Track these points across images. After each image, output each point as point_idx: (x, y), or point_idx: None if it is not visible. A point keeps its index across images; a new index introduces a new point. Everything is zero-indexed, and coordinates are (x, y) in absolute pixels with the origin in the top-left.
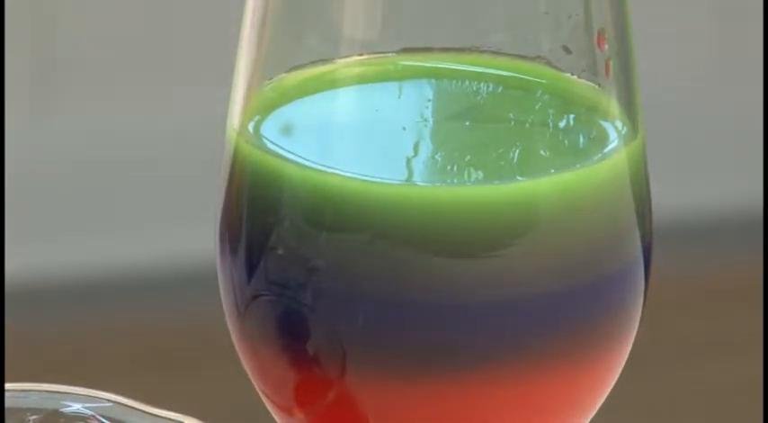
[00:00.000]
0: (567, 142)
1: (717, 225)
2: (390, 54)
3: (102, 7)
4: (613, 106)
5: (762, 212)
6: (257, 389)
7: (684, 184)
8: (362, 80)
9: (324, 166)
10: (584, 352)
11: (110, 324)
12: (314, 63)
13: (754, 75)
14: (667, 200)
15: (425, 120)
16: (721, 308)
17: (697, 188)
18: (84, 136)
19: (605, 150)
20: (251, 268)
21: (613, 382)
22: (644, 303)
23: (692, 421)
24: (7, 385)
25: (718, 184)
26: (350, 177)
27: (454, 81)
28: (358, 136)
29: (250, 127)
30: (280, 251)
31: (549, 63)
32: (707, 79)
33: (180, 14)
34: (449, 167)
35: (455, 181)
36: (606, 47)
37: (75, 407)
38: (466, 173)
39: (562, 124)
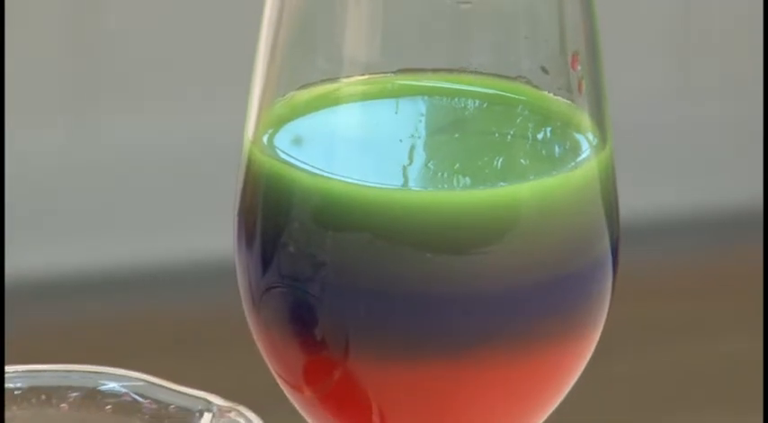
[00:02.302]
0: (544, 152)
1: (717, 225)
2: (389, 74)
3: (126, 21)
4: (585, 120)
5: (762, 212)
6: (272, 370)
7: (685, 184)
8: (364, 97)
9: (329, 173)
10: (559, 337)
11: (143, 313)
12: (321, 81)
13: (754, 74)
14: (669, 199)
15: (419, 132)
16: (722, 308)
17: (697, 188)
18: (107, 143)
19: (578, 159)
20: (265, 263)
21: (585, 363)
22: (612, 293)
23: (692, 405)
24: (51, 366)
25: (718, 183)
26: (352, 183)
27: (445, 98)
28: (360, 146)
29: (264, 138)
30: (290, 248)
31: (528, 82)
32: (707, 78)
33: (199, 33)
34: (440, 174)
35: (445, 186)
36: (579, 68)
37: (111, 385)
38: (455, 179)
39: (540, 136)
